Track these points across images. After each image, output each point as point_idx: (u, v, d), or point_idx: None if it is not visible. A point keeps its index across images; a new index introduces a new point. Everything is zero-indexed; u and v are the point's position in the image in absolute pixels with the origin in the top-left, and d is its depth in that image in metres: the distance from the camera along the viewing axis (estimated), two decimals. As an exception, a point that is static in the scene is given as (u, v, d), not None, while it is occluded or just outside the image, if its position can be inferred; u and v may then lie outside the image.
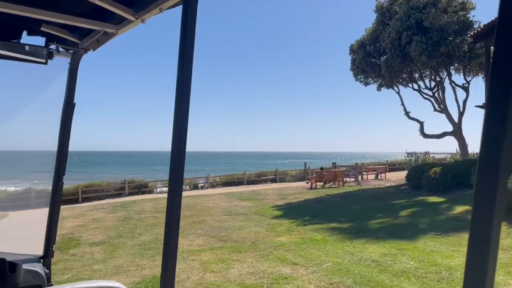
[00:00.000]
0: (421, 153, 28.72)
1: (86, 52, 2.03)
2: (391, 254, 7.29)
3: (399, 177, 26.94)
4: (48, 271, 2.09)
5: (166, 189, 26.93)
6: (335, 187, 22.99)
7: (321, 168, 24.40)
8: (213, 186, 27.62)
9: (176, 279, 6.10)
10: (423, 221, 10.18)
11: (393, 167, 33.23)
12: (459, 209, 11.41)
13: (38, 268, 1.97)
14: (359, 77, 21.55)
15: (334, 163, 26.19)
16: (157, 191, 26.89)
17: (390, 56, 18.73)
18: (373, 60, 20.83)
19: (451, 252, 7.09)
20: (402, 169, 33.62)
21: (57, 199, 2.26)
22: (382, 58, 19.98)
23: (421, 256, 6.94)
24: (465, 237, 8.34)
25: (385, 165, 29.27)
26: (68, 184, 31.22)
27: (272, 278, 5.98)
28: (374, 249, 7.81)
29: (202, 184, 27.60)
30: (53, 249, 2.26)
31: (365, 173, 27.43)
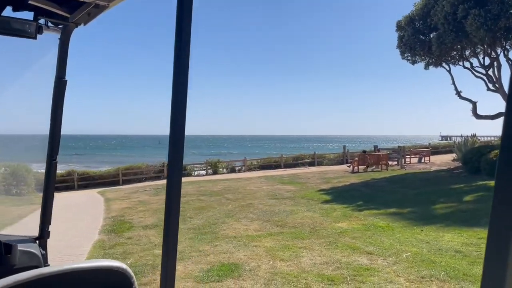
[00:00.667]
0: (467, 136, 27.30)
1: (76, 27, 1.97)
2: (473, 244, 6.66)
3: (444, 160, 25.79)
4: (44, 252, 2.06)
5: (203, 172, 26.94)
6: (378, 170, 22.18)
7: (364, 151, 23.58)
8: (250, 169, 27.30)
9: (247, 267, 5.71)
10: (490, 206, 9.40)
11: (436, 150, 31.91)
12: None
13: (34, 249, 1.94)
14: (406, 55, 20.43)
15: (375, 146, 25.31)
16: (195, 174, 26.86)
17: (442, 31, 17.54)
18: (421, 37, 19.65)
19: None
20: (446, 152, 32.29)
21: (51, 179, 2.15)
22: (432, 35, 18.79)
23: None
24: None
25: (429, 148, 28.04)
26: (101, 167, 31.69)
27: (352, 269, 5.48)
28: (451, 238, 7.18)
29: (239, 168, 27.32)
30: (49, 230, 2.17)
31: (408, 156, 26.38)
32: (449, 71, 20.04)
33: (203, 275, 5.43)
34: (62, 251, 7.31)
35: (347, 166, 24.36)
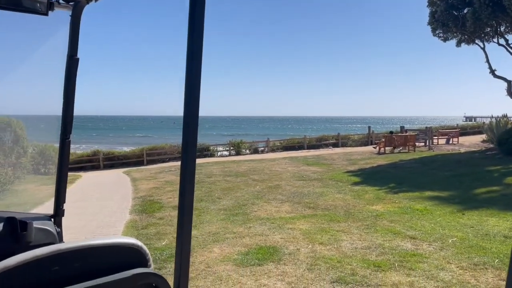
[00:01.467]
0: (498, 117, 26.32)
1: (88, 3, 1.93)
2: (525, 230, 6.29)
3: (473, 141, 24.99)
4: (59, 229, 2.08)
5: (226, 152, 26.86)
6: (405, 152, 21.66)
7: (391, 132, 23.02)
8: (273, 150, 27.08)
9: (286, 251, 5.52)
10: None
11: (463, 131, 30.99)
12: None
13: (49, 226, 1.94)
14: (437, 32, 19.59)
15: (402, 127, 24.65)
16: (218, 154, 26.82)
17: (478, 6, 16.67)
18: (455, 12, 18.76)
19: None
20: (474, 133, 31.34)
21: (65, 157, 2.15)
22: (467, 10, 17.90)
23: None
24: None
25: (457, 129, 27.20)
26: (126, 147, 31.96)
27: (397, 255, 5.23)
28: (496, 222, 6.82)
29: (262, 148, 27.12)
30: (64, 208, 2.18)
31: (436, 137, 25.67)
32: (483, 48, 19.15)
33: (242, 258, 5.26)
34: (95, 231, 7.29)
35: (373, 147, 23.85)
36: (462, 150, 20.88)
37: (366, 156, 20.49)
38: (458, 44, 20.23)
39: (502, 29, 19.19)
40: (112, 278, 1.08)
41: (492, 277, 4.36)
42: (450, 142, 25.60)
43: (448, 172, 12.95)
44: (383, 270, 4.64)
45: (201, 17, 1.07)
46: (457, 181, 11.21)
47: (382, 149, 21.82)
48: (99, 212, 9.17)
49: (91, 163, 24.03)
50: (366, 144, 28.11)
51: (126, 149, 28.25)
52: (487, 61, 19.11)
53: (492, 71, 19.02)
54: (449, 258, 5.01)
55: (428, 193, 9.86)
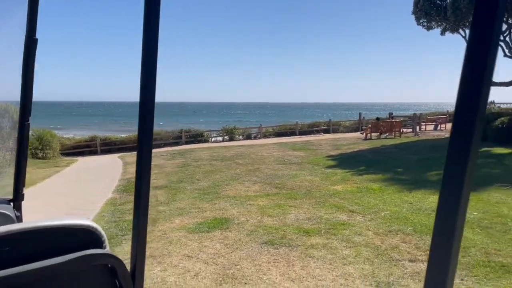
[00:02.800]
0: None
1: None
2: (453, 205, 7.08)
3: (460, 128, 25.62)
4: (19, 213, 2.08)
5: (220, 138, 27.67)
6: (392, 137, 22.37)
7: (377, 118, 23.70)
8: (265, 136, 27.87)
9: (236, 221, 6.37)
10: (487, 172, 9.72)
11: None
12: (529, 161, 10.74)
13: (8, 210, 1.94)
14: (421, 21, 20.11)
15: (390, 114, 25.31)
16: (212, 140, 27.64)
17: (457, -4, 17.21)
18: (438, 2, 19.26)
19: (518, 204, 6.78)
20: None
21: (24, 141, 2.14)
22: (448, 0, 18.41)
23: (485, 207, 6.70)
24: (534, 189, 7.91)
25: (446, 115, 27.79)
26: (124, 133, 32.84)
27: (329, 224, 6.06)
28: (434, 199, 7.61)
29: (255, 134, 27.91)
30: (23, 192, 2.17)
31: (424, 123, 26.31)
32: (464, 37, 19.67)
33: (195, 227, 6.12)
34: (78, 207, 8.16)
35: (360, 133, 24.58)
36: (447, 135, 21.58)
37: (352, 141, 21.22)
38: (443, 32, 20.73)
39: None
40: (64, 259, 1.03)
41: (396, 240, 5.18)
42: (438, 128, 26.25)
43: (419, 156, 13.71)
44: (309, 235, 5.47)
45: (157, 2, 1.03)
46: (423, 164, 11.98)
47: (369, 135, 22.55)
48: (85, 191, 10.06)
49: (88, 148, 24.96)
50: (357, 130, 28.79)
51: (123, 135, 29.09)
52: (468, 49, 19.63)
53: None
54: (370, 227, 5.84)
55: (390, 175, 10.65)
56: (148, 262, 4.75)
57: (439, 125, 26.23)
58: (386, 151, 16.25)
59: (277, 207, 7.37)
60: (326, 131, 28.90)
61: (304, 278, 4.06)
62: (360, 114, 29.83)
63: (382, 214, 6.64)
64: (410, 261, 4.45)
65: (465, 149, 0.54)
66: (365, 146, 18.83)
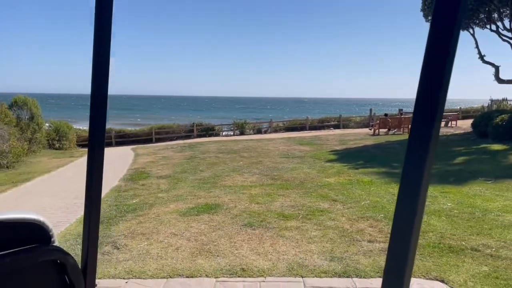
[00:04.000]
0: (497, 100, 26.79)
1: None
2: (433, 196, 7.48)
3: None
4: None
5: (231, 132, 28.30)
6: (400, 134, 22.59)
7: (385, 114, 23.91)
8: (276, 131, 28.35)
9: (225, 207, 6.92)
10: (477, 167, 10.02)
11: (467, 114, 31.41)
12: (522, 157, 10.97)
13: None
14: (430, 18, 20.19)
15: (400, 110, 25.44)
16: (223, 134, 28.28)
17: (465, -7, 17.27)
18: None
19: (493, 196, 7.13)
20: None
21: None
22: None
23: (461, 199, 7.08)
24: (515, 184, 8.22)
25: (457, 112, 27.75)
26: (142, 125, 33.74)
27: (309, 211, 6.56)
28: (417, 192, 8.02)
29: (266, 129, 28.42)
30: None
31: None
32: (473, 35, 19.72)
33: (187, 211, 6.70)
34: (82, 193, 8.85)
35: (369, 129, 24.82)
36: (456, 132, 21.68)
37: (359, 137, 21.52)
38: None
39: (495, 16, 19.65)
40: (9, 254, 0.95)
41: (365, 225, 5.66)
42: (449, 125, 26.26)
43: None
44: (287, 219, 5.99)
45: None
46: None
47: (377, 130, 22.80)
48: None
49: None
50: (367, 126, 29.00)
51: (136, 128, 30.00)
52: (477, 46, 19.70)
53: (481, 56, 19.61)
54: (346, 214, 6.32)
55: (385, 169, 11.03)
56: (137, 238, 5.36)
57: (450, 122, 26.22)
58: (389, 147, 16.56)
59: (266, 196, 7.89)
60: (337, 127, 29.22)
61: (269, 253, 4.59)
62: (370, 110, 30.01)
63: (362, 203, 7.09)
64: (369, 241, 4.93)
65: (424, 145, 0.54)
66: (370, 141, 19.14)
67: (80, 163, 14.95)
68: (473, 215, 6.06)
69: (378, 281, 3.91)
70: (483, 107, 23.87)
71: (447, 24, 0.53)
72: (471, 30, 19.88)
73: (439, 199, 7.22)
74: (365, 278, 3.96)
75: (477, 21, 20.09)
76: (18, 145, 14.67)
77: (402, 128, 23.05)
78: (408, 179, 0.56)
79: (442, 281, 3.83)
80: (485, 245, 4.67)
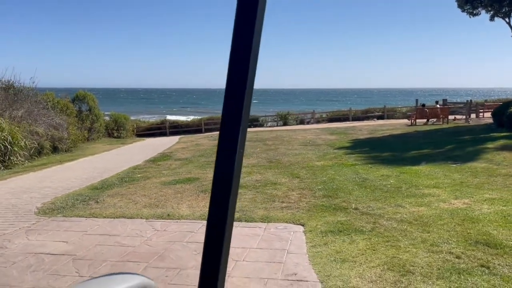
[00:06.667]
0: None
1: None
2: (387, 175, 8.39)
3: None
4: None
5: (275, 123, 29.70)
6: (439, 124, 22.47)
7: (423, 105, 23.81)
8: (318, 121, 29.24)
9: (201, 180, 8.46)
10: (457, 152, 10.55)
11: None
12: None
13: None
14: (466, 7, 19.91)
15: (437, 101, 25.12)
16: (268, 125, 29.78)
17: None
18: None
19: (438, 176, 7.91)
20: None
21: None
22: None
23: (407, 178, 7.94)
24: (477, 166, 8.78)
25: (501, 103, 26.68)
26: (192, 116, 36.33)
27: (266, 183, 7.88)
28: (380, 171, 8.92)
29: (308, 120, 29.43)
30: None
31: (482, 111, 25.64)
32: (509, 23, 19.12)
33: (169, 182, 8.36)
34: (109, 168, 10.91)
35: (408, 120, 24.84)
36: (481, 122, 21.33)
37: (394, 127, 21.84)
38: (492, 18, 20.27)
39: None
40: None
41: (294, 193, 6.90)
42: (479, 116, 25.48)
43: (428, 140, 14.45)
44: (243, 189, 7.37)
45: None
46: (418, 146, 12.87)
47: (414, 121, 22.88)
48: (125, 160, 12.89)
49: (159, 130, 28.72)
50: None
51: (189, 118, 32.55)
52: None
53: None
54: (291, 186, 7.56)
55: (377, 154, 11.85)
56: (115, 197, 7.12)
57: (478, 113, 25.40)
58: (411, 136, 16.99)
59: (245, 173, 9.29)
60: (381, 117, 29.35)
61: (198, 207, 6.08)
62: (417, 100, 29.66)
63: (318, 179, 8.24)
64: (281, 202, 6.22)
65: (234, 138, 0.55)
66: (400, 131, 19.51)
67: (124, 149, 17.39)
68: (398, 188, 7.00)
69: (260, 225, 5.23)
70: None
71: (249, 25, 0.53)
72: (507, 19, 19.32)
73: (389, 178, 8.13)
74: (250, 222, 5.31)
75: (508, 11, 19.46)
76: (77, 133, 17.45)
77: (441, 119, 22.89)
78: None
79: (302, 225, 5.07)
80: (368, 207, 5.74)
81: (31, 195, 7.71)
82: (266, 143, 16.69)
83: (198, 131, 28.45)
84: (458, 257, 3.93)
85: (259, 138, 18.79)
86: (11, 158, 12.15)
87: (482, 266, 3.71)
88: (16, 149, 12.39)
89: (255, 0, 0.55)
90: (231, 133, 0.56)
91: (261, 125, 29.21)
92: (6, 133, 12.00)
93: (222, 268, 0.57)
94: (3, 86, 16.07)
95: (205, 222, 4.15)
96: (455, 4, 19.94)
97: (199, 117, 30.84)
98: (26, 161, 12.97)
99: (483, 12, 20.05)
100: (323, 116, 30.35)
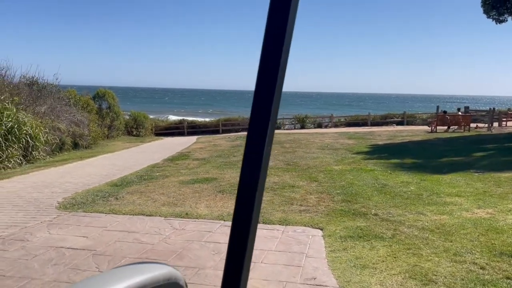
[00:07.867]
0: None
1: None
2: (407, 182, 8.26)
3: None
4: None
5: (292, 126, 29.61)
6: (460, 131, 22.05)
7: (444, 112, 23.39)
8: (336, 125, 29.03)
9: (218, 180, 8.48)
10: (480, 161, 10.31)
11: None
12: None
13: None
14: (492, 13, 19.48)
15: (459, 109, 24.65)
16: (286, 127, 29.70)
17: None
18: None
19: (460, 184, 7.74)
20: None
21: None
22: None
23: (428, 185, 7.79)
24: (500, 176, 8.56)
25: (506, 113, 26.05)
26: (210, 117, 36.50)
27: (284, 186, 7.84)
28: (400, 178, 8.78)
29: (326, 124, 29.24)
30: None
31: (505, 119, 25.06)
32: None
33: (187, 181, 8.40)
34: (128, 166, 11.03)
35: (428, 126, 24.44)
36: (505, 131, 20.77)
37: (414, 133, 21.52)
38: (519, 23, 19.80)
39: None
40: None
41: (312, 196, 6.83)
42: (502, 125, 24.88)
43: (449, 147, 14.18)
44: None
45: None
46: (440, 154, 12.63)
47: (434, 128, 22.50)
48: (144, 158, 13.02)
49: (178, 129, 28.95)
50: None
51: (206, 119, 32.72)
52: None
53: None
54: (309, 189, 7.49)
55: (398, 161, 11.67)
56: (135, 194, 7.18)
57: (501, 122, 24.79)
58: (431, 143, 16.69)
59: (263, 175, 9.27)
60: (400, 123, 28.96)
61: (216, 207, 6.08)
62: (437, 107, 29.18)
63: (337, 184, 8.15)
64: (300, 205, 6.17)
65: (260, 144, 0.54)
66: (420, 138, 19.21)
67: (143, 147, 17.57)
68: (419, 195, 6.87)
69: (278, 227, 5.20)
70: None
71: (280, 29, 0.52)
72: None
73: (409, 185, 8.00)
74: (268, 224, 5.28)
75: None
76: (97, 130, 17.71)
77: (463, 126, 22.44)
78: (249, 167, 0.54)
79: (321, 229, 5.02)
80: (388, 213, 5.65)
81: (52, 189, 7.84)
82: (284, 146, 16.64)
83: (216, 131, 28.56)
84: (482, 268, 3.83)
85: (277, 141, 18.74)
86: (33, 152, 12.40)
87: (507, 278, 3.60)
88: (38, 144, 12.65)
89: (287, 3, 0.55)
90: (259, 136, 0.56)
91: (278, 128, 29.13)
92: (28, 127, 12.25)
93: (245, 270, 0.57)
94: (27, 82, 16.43)
95: (223, 223, 4.16)
96: (481, 10, 19.55)
97: (216, 118, 30.98)
98: (48, 156, 13.22)
99: (509, 18, 19.61)
100: (341, 120, 30.10)
